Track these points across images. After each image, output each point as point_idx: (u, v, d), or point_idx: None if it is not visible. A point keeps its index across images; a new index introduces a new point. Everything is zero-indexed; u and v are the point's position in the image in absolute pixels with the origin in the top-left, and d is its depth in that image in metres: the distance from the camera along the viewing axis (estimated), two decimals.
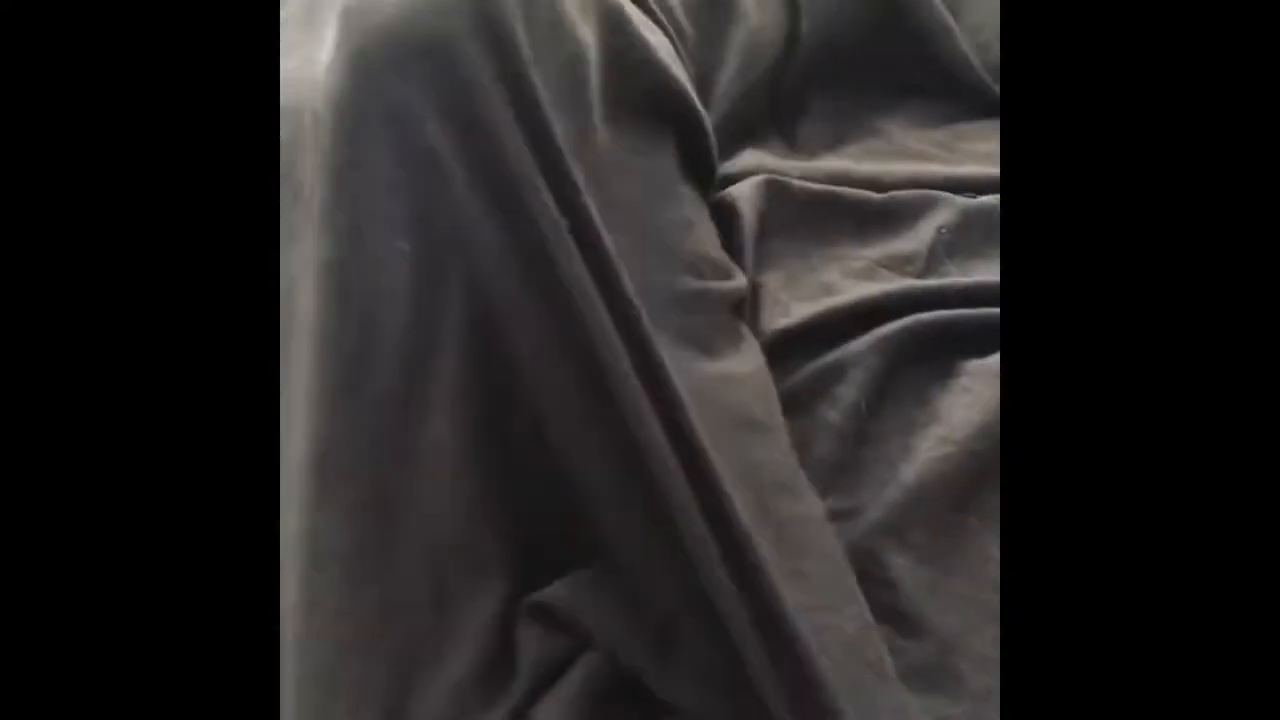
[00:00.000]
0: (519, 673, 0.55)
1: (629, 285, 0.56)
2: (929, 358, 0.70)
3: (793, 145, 0.92)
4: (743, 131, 0.89)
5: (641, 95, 0.66)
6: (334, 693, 0.54)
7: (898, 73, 0.95)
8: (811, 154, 0.90)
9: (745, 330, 0.69)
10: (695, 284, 0.65)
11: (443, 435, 0.58)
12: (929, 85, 0.94)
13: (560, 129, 0.56)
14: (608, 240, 0.56)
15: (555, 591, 0.56)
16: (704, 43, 0.84)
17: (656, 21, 0.72)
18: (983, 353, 0.70)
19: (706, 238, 0.71)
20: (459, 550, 0.58)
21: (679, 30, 0.78)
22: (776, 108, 0.94)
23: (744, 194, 0.79)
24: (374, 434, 0.57)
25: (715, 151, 0.75)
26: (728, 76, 0.86)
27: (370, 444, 0.57)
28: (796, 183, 0.82)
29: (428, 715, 0.55)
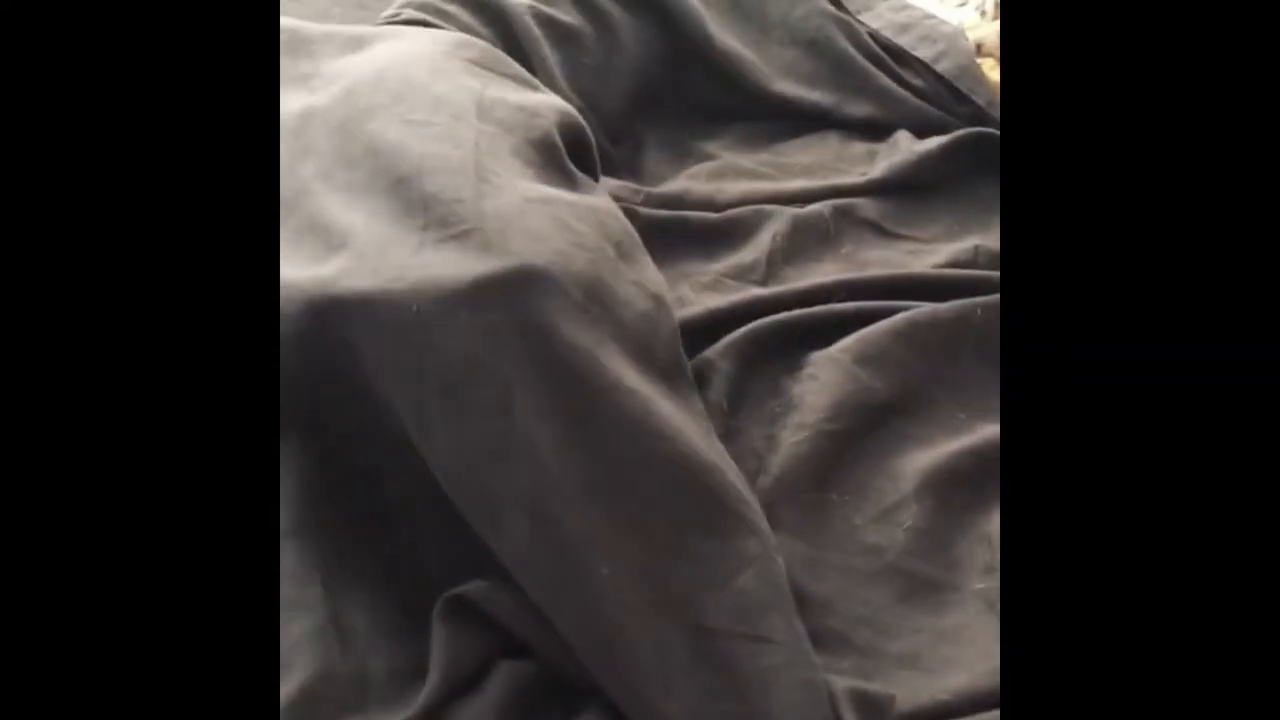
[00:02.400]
0: (432, 672, 0.57)
1: None
2: (777, 355, 0.77)
3: (637, 174, 0.99)
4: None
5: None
6: None
7: (714, 102, 1.03)
8: (656, 180, 0.97)
9: None
10: None
11: None
12: (745, 110, 1.02)
13: None
14: None
15: (474, 588, 0.59)
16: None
17: None
18: (825, 344, 0.77)
19: None
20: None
21: None
22: (619, 141, 1.01)
23: None
24: None
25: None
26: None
27: None
28: (642, 210, 0.88)
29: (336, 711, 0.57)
